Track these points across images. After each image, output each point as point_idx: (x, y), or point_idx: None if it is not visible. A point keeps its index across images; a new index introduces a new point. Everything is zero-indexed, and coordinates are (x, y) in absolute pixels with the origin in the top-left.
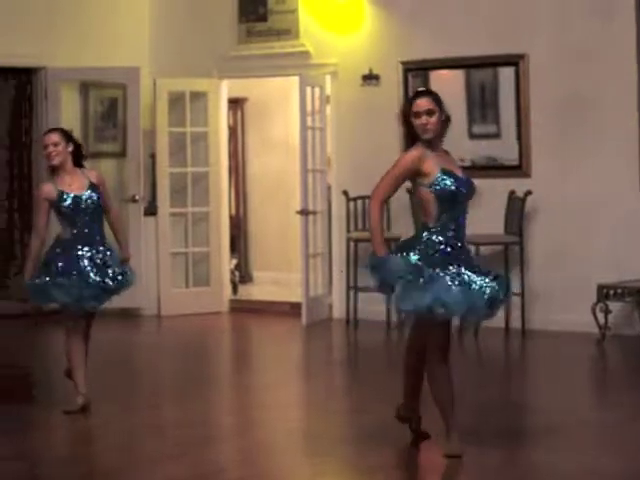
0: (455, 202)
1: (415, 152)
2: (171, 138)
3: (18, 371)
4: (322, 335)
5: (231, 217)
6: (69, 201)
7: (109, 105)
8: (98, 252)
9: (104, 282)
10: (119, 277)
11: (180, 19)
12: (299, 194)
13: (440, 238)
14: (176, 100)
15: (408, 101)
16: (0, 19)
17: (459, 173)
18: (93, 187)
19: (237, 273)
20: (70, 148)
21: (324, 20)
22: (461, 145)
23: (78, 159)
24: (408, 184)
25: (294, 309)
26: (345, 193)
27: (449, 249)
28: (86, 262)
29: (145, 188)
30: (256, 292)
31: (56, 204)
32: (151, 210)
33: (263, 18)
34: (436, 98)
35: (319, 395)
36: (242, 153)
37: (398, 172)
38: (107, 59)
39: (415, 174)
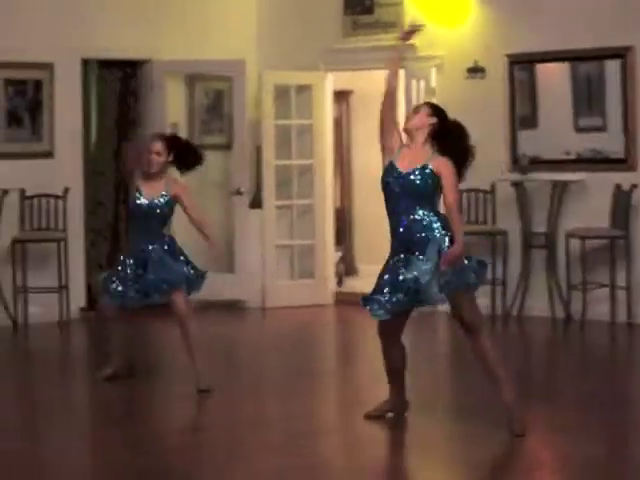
0: (387, 194)
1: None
2: (276, 130)
3: (129, 361)
4: (426, 328)
5: (336, 209)
6: (142, 200)
7: (215, 97)
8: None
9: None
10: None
11: (286, 12)
12: None
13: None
14: (281, 92)
15: None
16: (107, 12)
17: (405, 168)
18: (164, 196)
19: (342, 266)
20: (170, 158)
21: (430, 12)
22: (567, 138)
23: (186, 163)
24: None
25: None
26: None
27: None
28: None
29: (250, 180)
30: (361, 285)
31: (131, 201)
32: (256, 202)
33: (369, 10)
34: (432, 106)
35: (422, 389)
36: (347, 145)
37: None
38: (213, 51)
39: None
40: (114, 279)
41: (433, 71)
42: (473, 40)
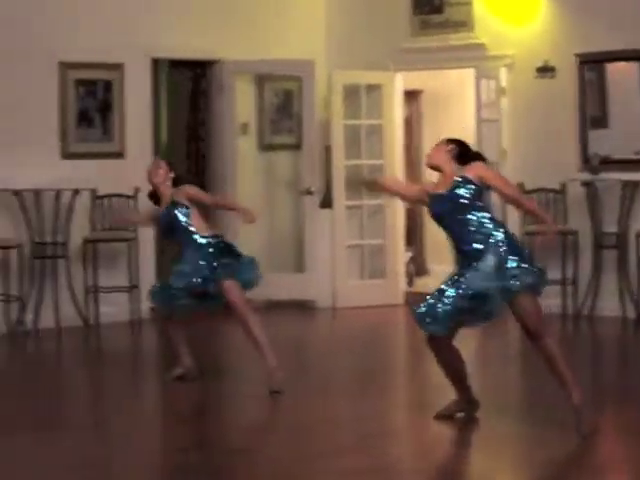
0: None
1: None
2: (346, 130)
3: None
4: (498, 328)
5: (406, 209)
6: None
7: (284, 97)
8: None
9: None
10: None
11: (355, 12)
12: None
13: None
14: (351, 92)
15: None
16: (177, 12)
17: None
18: (175, 204)
19: (413, 265)
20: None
21: (499, 12)
22: (638, 138)
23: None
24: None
25: None
26: (521, 185)
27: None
28: None
29: (320, 180)
30: (431, 284)
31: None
32: (326, 202)
33: (438, 10)
34: (449, 139)
35: (491, 390)
36: (417, 145)
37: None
38: (282, 52)
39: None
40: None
41: (503, 70)
42: (543, 39)
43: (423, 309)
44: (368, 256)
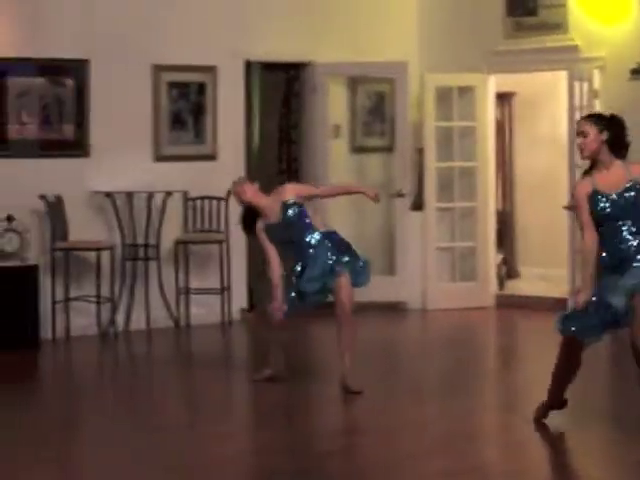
0: (606, 221)
1: (581, 182)
2: (438, 132)
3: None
4: None
5: (498, 212)
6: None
7: (377, 100)
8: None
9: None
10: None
11: (448, 14)
12: (566, 189)
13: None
14: (443, 94)
15: None
16: (270, 15)
17: (616, 189)
18: (287, 206)
19: (504, 268)
20: (604, 137)
21: (594, 13)
22: None
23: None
24: None
25: (560, 305)
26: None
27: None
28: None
29: (412, 182)
30: (523, 287)
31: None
32: (417, 205)
33: (533, 12)
34: (595, 119)
35: (583, 393)
36: (510, 148)
37: (581, 207)
38: (374, 54)
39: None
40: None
41: (596, 72)
42: (636, 40)
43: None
44: (459, 258)
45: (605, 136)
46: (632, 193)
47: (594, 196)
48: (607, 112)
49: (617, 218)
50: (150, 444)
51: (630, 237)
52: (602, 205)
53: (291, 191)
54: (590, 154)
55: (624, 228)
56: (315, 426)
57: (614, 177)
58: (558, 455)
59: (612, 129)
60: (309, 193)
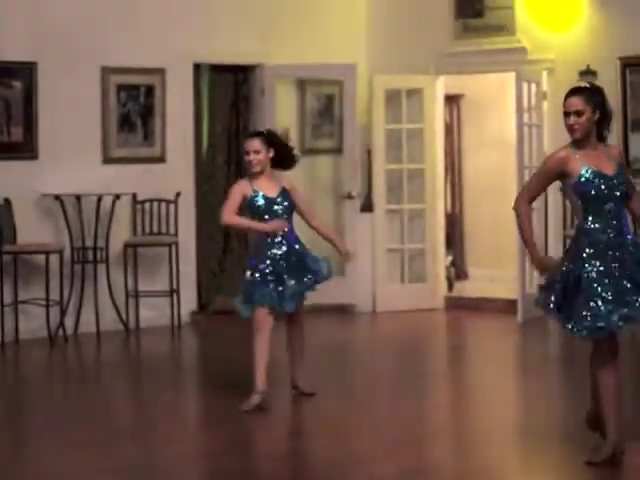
0: (599, 200)
1: (560, 153)
2: (387, 134)
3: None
4: (537, 332)
5: (446, 214)
6: (261, 201)
7: (326, 102)
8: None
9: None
10: (309, 278)
11: (396, 16)
12: (515, 191)
13: (588, 238)
14: (392, 96)
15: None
16: (218, 17)
17: (610, 171)
18: (284, 192)
19: (452, 270)
20: (271, 154)
21: (540, 16)
22: None
23: (282, 163)
24: None
25: (509, 306)
26: (561, 189)
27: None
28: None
29: (361, 184)
30: (472, 289)
31: (249, 202)
32: (367, 206)
33: (480, 14)
34: (589, 96)
35: (534, 392)
36: (458, 149)
37: (543, 173)
38: (323, 56)
39: (561, 175)
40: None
41: (544, 74)
42: (584, 43)
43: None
44: (408, 260)
45: (597, 115)
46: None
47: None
48: (588, 84)
49: (606, 200)
50: (97, 446)
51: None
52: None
53: (290, 184)
54: (582, 135)
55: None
56: (265, 428)
57: (600, 159)
58: (507, 455)
59: (603, 107)
60: (302, 200)
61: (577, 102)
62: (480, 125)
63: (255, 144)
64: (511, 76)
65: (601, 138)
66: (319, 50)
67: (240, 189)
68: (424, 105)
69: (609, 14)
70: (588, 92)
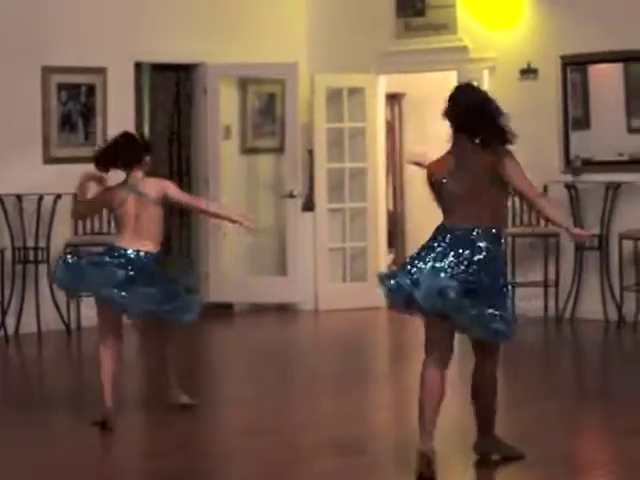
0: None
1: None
2: (329, 133)
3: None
4: None
5: (388, 212)
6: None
7: (267, 100)
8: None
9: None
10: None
11: (338, 15)
12: None
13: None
14: (333, 95)
15: None
16: (160, 16)
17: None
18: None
19: (394, 268)
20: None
21: (482, 15)
22: (620, 139)
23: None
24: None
25: None
26: None
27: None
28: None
29: (303, 183)
30: None
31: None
32: (308, 205)
33: (421, 13)
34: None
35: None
36: (399, 148)
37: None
38: (265, 55)
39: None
40: None
41: (486, 73)
42: (526, 41)
43: None
44: (350, 259)
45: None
46: None
47: None
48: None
49: None
50: (39, 448)
51: None
52: None
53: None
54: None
55: None
56: (205, 428)
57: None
58: (445, 452)
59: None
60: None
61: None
62: (421, 123)
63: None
64: (452, 75)
65: (486, 145)
66: (261, 49)
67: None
68: (366, 104)
69: (550, 13)
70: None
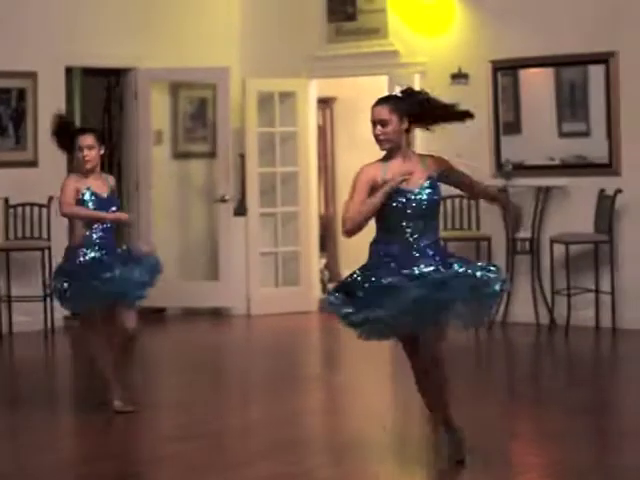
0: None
1: (368, 168)
2: (260, 138)
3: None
4: None
5: (320, 216)
6: (91, 197)
7: (199, 105)
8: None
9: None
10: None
11: (269, 19)
12: None
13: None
14: (265, 99)
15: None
16: (91, 20)
17: (415, 185)
18: (113, 192)
19: (326, 272)
20: (102, 151)
21: (413, 19)
22: (550, 143)
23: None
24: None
25: None
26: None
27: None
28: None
29: (234, 188)
30: None
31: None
32: (240, 210)
33: (352, 17)
34: (395, 105)
35: (408, 393)
36: (331, 152)
37: (359, 189)
38: (196, 59)
39: (374, 188)
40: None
41: (417, 77)
42: (457, 46)
43: None
44: (282, 263)
45: (405, 124)
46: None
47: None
48: (401, 92)
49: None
50: None
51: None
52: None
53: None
54: (390, 146)
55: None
56: (137, 433)
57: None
58: (382, 458)
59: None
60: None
61: (381, 111)
62: (352, 127)
63: (89, 140)
64: (384, 79)
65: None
66: (192, 53)
67: (73, 183)
68: (297, 108)
69: (481, 18)
70: (393, 100)
